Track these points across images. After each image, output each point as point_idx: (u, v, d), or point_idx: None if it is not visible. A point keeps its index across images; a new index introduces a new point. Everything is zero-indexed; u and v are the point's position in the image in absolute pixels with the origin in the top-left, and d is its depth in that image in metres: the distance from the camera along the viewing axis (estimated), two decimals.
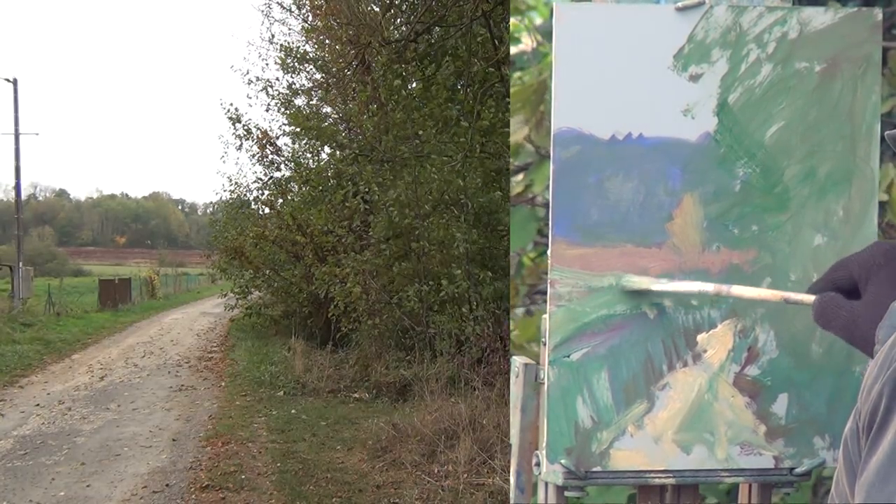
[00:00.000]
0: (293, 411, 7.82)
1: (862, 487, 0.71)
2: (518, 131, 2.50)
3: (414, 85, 8.97)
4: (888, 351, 0.75)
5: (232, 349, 13.51)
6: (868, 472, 0.71)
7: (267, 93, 14.34)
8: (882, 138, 1.82)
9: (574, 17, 1.79)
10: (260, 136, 14.06)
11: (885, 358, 0.75)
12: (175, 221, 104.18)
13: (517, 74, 2.59)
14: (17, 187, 22.74)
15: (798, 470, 1.84)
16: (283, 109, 14.07)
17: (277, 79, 20.57)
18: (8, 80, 21.34)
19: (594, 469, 1.81)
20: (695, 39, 1.81)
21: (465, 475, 4.91)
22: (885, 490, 0.67)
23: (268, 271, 14.47)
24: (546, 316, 1.81)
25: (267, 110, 24.41)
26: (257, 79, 19.01)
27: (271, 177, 14.33)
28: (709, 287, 1.71)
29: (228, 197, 16.92)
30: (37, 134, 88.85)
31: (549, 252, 1.80)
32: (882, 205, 2.37)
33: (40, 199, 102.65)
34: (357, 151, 9.99)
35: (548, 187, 1.81)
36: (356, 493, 5.04)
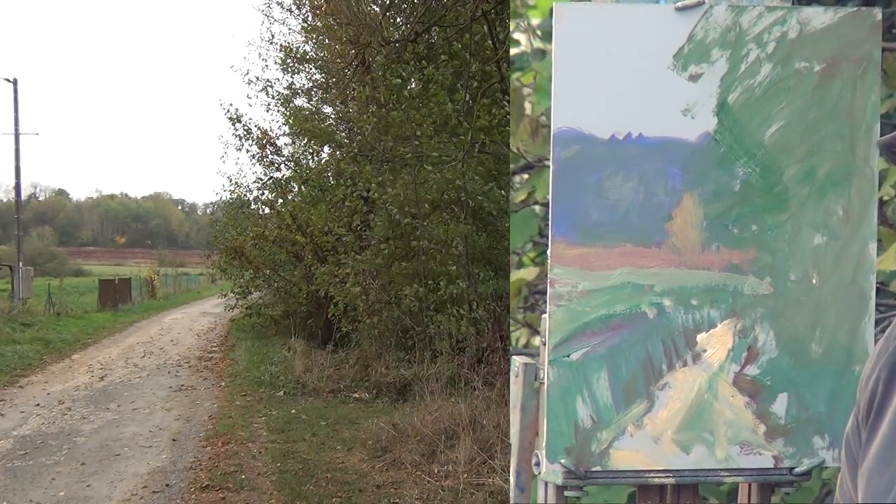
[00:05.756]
0: (293, 411, 7.82)
1: (863, 475, 0.71)
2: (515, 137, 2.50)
3: (413, 85, 8.97)
4: (884, 342, 0.75)
5: (232, 349, 13.51)
6: (868, 458, 0.70)
7: (267, 93, 14.35)
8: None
9: (574, 17, 1.79)
10: (260, 136, 14.06)
11: (881, 349, 0.75)
12: (175, 221, 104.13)
13: (516, 74, 2.59)
14: (17, 187, 22.76)
15: (798, 469, 1.84)
16: (282, 109, 14.08)
17: (277, 79, 20.59)
18: (8, 80, 21.34)
19: (594, 469, 1.81)
20: (694, 39, 1.81)
21: (465, 475, 4.91)
22: (885, 472, 0.66)
23: (268, 271, 14.47)
24: (546, 316, 1.82)
25: (267, 110, 24.44)
26: (257, 79, 19.05)
27: (271, 177, 14.34)
28: None
29: (228, 197, 16.91)
30: (37, 134, 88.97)
31: (548, 251, 1.80)
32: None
33: (40, 199, 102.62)
34: (356, 151, 10.00)
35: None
36: (356, 493, 5.04)
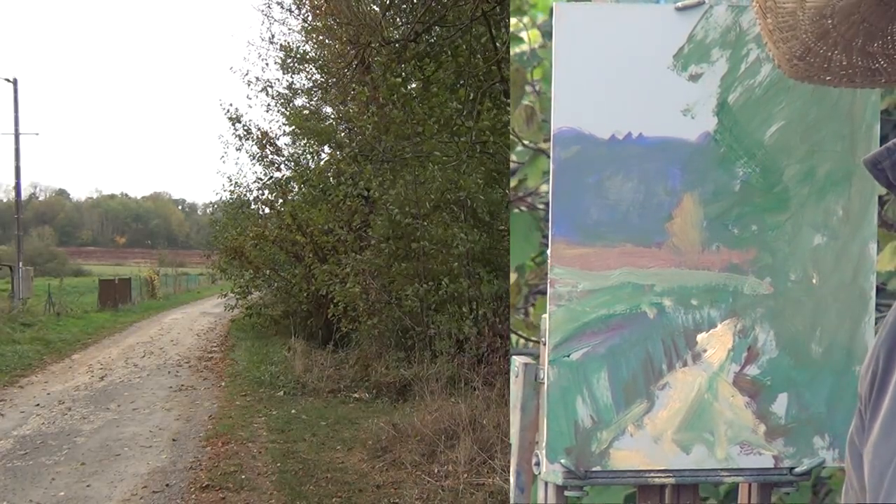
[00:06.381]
0: (293, 411, 7.82)
1: (868, 452, 0.70)
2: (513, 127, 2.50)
3: (414, 85, 8.97)
4: (881, 330, 0.75)
5: (232, 349, 13.51)
6: (873, 434, 0.69)
7: (267, 93, 14.36)
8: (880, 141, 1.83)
9: (574, 16, 1.79)
10: (260, 136, 14.07)
11: (877, 337, 0.75)
12: (175, 221, 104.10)
13: (517, 72, 2.59)
14: (17, 187, 22.77)
15: (798, 469, 1.84)
16: (282, 109, 14.10)
17: (277, 79, 20.61)
18: (8, 80, 21.34)
19: (594, 469, 1.81)
20: (695, 39, 1.81)
21: (465, 475, 4.91)
22: (890, 440, 0.65)
23: (268, 271, 14.47)
24: (546, 315, 1.82)
25: (267, 110, 24.44)
26: (257, 79, 19.04)
27: (271, 177, 14.34)
28: None
29: (228, 197, 16.91)
30: (37, 134, 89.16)
31: (548, 252, 1.80)
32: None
33: (40, 199, 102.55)
34: (357, 150, 10.00)
35: (545, 183, 1.82)
36: (356, 493, 5.04)
